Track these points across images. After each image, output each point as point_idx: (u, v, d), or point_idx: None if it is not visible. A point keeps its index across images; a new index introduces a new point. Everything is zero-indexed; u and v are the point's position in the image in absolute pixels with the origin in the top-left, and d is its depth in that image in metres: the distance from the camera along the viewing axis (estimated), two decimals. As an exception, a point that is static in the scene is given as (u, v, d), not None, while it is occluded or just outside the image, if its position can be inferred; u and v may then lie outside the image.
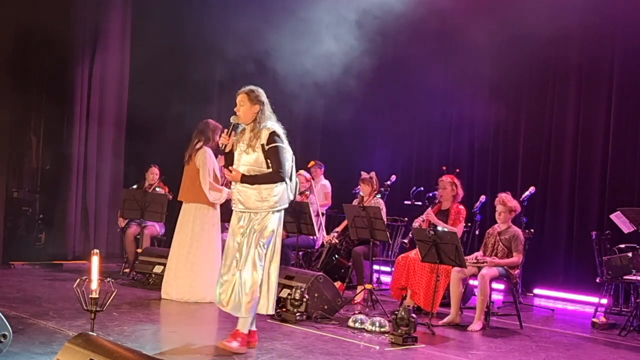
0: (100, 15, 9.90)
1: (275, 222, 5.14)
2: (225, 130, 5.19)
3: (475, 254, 6.89)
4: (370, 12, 9.44)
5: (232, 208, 5.25)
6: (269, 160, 5.09)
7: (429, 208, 7.46)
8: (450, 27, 9.78)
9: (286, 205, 5.23)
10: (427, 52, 10.00)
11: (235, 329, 5.14)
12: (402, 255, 7.38)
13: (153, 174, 9.05)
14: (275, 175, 5.10)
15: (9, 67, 8.91)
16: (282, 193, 5.15)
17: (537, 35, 9.13)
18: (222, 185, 7.38)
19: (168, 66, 10.56)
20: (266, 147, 5.08)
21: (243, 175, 5.09)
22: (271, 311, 5.28)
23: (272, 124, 5.19)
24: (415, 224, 7.44)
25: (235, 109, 5.20)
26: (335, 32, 9.55)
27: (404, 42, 10.02)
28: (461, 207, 7.36)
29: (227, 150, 5.23)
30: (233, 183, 5.23)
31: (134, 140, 10.31)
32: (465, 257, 6.43)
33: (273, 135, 5.11)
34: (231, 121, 5.18)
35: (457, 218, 7.27)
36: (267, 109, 5.23)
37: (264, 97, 5.24)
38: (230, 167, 5.16)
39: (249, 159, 5.11)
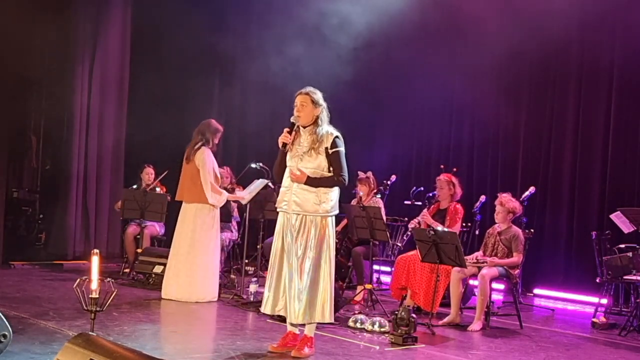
0: (100, 15, 9.90)
1: (331, 227, 5.15)
2: (286, 130, 5.09)
3: (475, 254, 6.90)
4: (371, 10, 9.44)
5: (282, 209, 5.15)
6: (330, 164, 5.08)
7: (425, 209, 7.46)
8: (451, 27, 9.79)
9: (337, 212, 5.21)
10: (427, 51, 9.99)
11: (303, 335, 5.15)
12: (402, 255, 7.38)
13: (148, 174, 9.06)
14: (337, 180, 5.08)
15: (9, 66, 8.91)
16: (337, 199, 5.16)
17: (537, 35, 9.13)
18: (220, 187, 7.40)
19: (168, 65, 10.56)
20: (330, 151, 5.06)
21: (308, 176, 5.04)
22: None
23: (332, 127, 5.16)
24: (411, 225, 7.45)
25: (295, 110, 5.11)
26: (333, 30, 9.54)
27: (403, 41, 10.01)
28: (458, 206, 7.35)
29: (286, 150, 5.15)
30: (287, 185, 5.14)
31: (134, 140, 10.31)
32: (465, 257, 6.44)
33: (336, 140, 5.10)
34: (292, 121, 5.11)
35: (454, 218, 7.26)
36: (326, 110, 5.19)
37: (322, 98, 5.18)
38: (299, 169, 5.06)
39: (311, 163, 5.06)
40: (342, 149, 5.13)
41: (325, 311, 5.10)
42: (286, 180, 5.18)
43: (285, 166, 5.21)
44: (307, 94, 5.14)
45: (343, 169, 5.10)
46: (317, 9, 9.72)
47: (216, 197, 7.22)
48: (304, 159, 5.09)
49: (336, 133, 5.14)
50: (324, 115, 5.17)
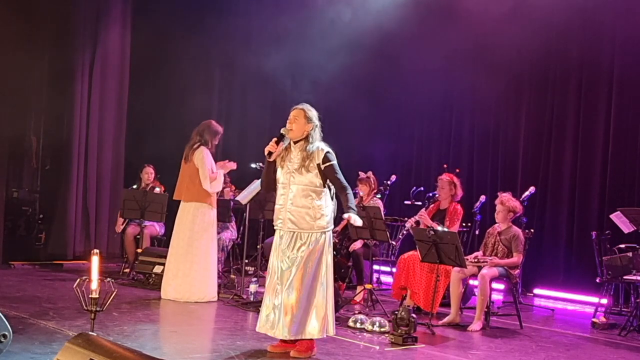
0: (100, 15, 9.90)
1: (328, 243, 5.14)
2: (274, 139, 5.09)
3: (475, 253, 6.89)
4: (371, 10, 9.45)
5: (278, 227, 5.16)
6: (327, 179, 5.08)
7: (423, 209, 7.46)
8: (452, 27, 9.78)
9: (333, 227, 5.21)
10: (427, 52, 9.99)
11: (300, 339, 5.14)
12: (403, 255, 7.38)
13: (148, 173, 9.06)
14: (348, 191, 5.11)
15: (9, 66, 8.90)
16: (331, 214, 5.16)
17: (538, 35, 9.14)
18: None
19: (168, 66, 10.55)
20: (322, 167, 5.05)
21: (351, 209, 5.06)
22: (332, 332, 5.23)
23: (324, 144, 5.16)
24: (409, 224, 7.46)
25: (287, 122, 5.12)
26: (333, 29, 9.55)
27: (403, 42, 10.01)
28: (458, 207, 7.35)
29: (271, 159, 5.15)
30: (281, 202, 5.11)
31: (134, 140, 10.31)
32: (465, 257, 6.43)
33: (328, 154, 5.10)
34: (281, 132, 5.11)
35: (453, 218, 7.26)
36: (319, 129, 5.18)
37: (316, 117, 5.18)
38: (349, 217, 5.07)
39: (303, 180, 5.05)
40: (334, 162, 5.12)
41: (316, 328, 5.06)
42: (280, 198, 5.17)
43: (272, 176, 5.22)
44: (301, 109, 5.16)
45: (342, 180, 5.11)
46: (316, 7, 9.73)
47: (215, 183, 7.22)
48: (296, 176, 5.09)
49: (327, 149, 5.13)
50: (316, 134, 5.16)
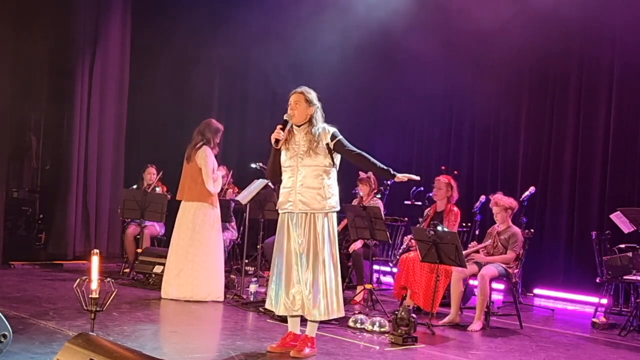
0: (100, 15, 9.90)
1: (335, 221, 5.20)
2: (279, 127, 5.09)
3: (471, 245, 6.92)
4: (371, 9, 9.45)
5: (287, 210, 5.14)
6: (339, 154, 5.14)
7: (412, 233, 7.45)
8: (451, 27, 9.79)
9: (339, 207, 5.25)
10: (427, 52, 9.99)
11: (304, 335, 5.14)
12: (403, 255, 7.37)
13: (150, 173, 9.06)
14: (365, 154, 5.18)
15: (9, 66, 8.91)
16: (338, 193, 5.20)
17: (538, 35, 9.14)
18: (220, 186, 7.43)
19: (168, 65, 10.56)
20: (331, 144, 5.10)
21: (390, 170, 5.20)
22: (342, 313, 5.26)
23: (327, 125, 5.18)
24: (405, 242, 7.47)
25: (289, 108, 5.14)
26: (333, 28, 9.54)
27: (404, 41, 10.01)
28: (455, 208, 7.34)
29: (278, 146, 5.16)
30: (290, 185, 5.12)
31: (134, 140, 10.32)
32: (465, 252, 6.45)
33: (334, 132, 5.15)
34: (284, 118, 5.12)
35: (450, 220, 7.24)
36: (320, 111, 5.21)
37: (317, 99, 5.21)
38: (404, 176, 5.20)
39: (312, 162, 5.08)
40: (341, 137, 5.16)
41: (340, 305, 5.12)
42: (288, 180, 5.17)
43: (279, 164, 5.22)
44: (301, 93, 5.18)
45: (354, 149, 5.16)
46: (317, 7, 9.73)
47: (216, 184, 7.25)
48: (304, 158, 5.10)
49: (333, 129, 5.17)
50: (319, 115, 5.19)
